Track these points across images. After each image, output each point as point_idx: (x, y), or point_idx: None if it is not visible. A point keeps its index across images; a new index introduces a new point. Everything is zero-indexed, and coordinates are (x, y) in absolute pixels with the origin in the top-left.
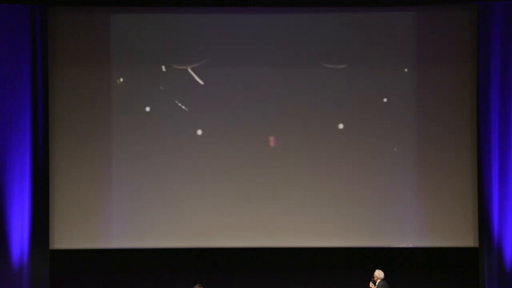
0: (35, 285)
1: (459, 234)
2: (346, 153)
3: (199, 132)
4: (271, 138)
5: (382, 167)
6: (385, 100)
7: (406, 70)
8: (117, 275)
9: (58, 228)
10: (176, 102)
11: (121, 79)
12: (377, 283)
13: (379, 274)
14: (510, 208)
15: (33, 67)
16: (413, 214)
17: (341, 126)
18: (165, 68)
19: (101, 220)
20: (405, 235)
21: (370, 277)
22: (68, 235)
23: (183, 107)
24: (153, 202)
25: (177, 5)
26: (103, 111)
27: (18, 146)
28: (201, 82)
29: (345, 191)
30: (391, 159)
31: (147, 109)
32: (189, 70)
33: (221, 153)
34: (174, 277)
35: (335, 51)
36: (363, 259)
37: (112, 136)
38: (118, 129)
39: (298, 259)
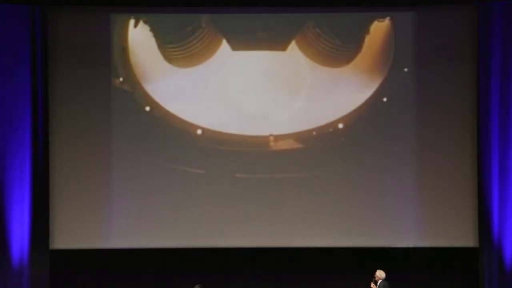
0: (35, 285)
1: (459, 234)
2: (346, 153)
3: (199, 132)
4: (271, 138)
5: (382, 167)
6: (385, 100)
7: (406, 70)
8: (117, 275)
9: (58, 228)
10: (177, 101)
11: (121, 79)
12: (378, 283)
13: (380, 274)
14: (510, 208)
15: (33, 67)
16: (413, 214)
17: (340, 126)
18: (165, 67)
19: (101, 220)
20: (405, 235)
21: (371, 278)
22: (68, 235)
23: (184, 106)
24: (153, 202)
25: (177, 4)
26: (103, 111)
27: (18, 147)
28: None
29: (345, 191)
30: (391, 159)
31: (147, 109)
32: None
33: (221, 153)
34: (174, 277)
35: (334, 51)
36: (364, 259)
37: (112, 136)
38: (118, 129)
39: (298, 259)
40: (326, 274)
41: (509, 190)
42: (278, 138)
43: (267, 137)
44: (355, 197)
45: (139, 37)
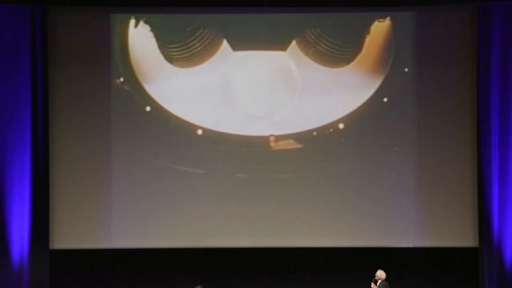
0: (35, 285)
1: (459, 234)
2: (346, 153)
3: (199, 131)
4: (272, 138)
5: (382, 167)
6: (385, 100)
7: (406, 70)
8: (117, 275)
9: (58, 228)
10: (177, 101)
11: (121, 79)
12: (378, 283)
13: (380, 274)
14: (510, 208)
15: (33, 67)
16: (413, 214)
17: (341, 126)
18: (165, 67)
19: (101, 220)
20: (405, 235)
21: (372, 277)
22: (68, 235)
23: (184, 106)
24: (153, 202)
25: (177, 5)
26: (103, 111)
27: (18, 146)
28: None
29: (345, 191)
30: (391, 159)
31: (147, 109)
32: (190, 68)
33: (221, 153)
34: (174, 277)
35: (334, 51)
36: (364, 259)
37: (112, 136)
38: (118, 129)
39: (298, 259)
40: (326, 274)
41: (509, 190)
42: (278, 138)
43: (267, 137)
44: (355, 197)
45: (140, 37)
